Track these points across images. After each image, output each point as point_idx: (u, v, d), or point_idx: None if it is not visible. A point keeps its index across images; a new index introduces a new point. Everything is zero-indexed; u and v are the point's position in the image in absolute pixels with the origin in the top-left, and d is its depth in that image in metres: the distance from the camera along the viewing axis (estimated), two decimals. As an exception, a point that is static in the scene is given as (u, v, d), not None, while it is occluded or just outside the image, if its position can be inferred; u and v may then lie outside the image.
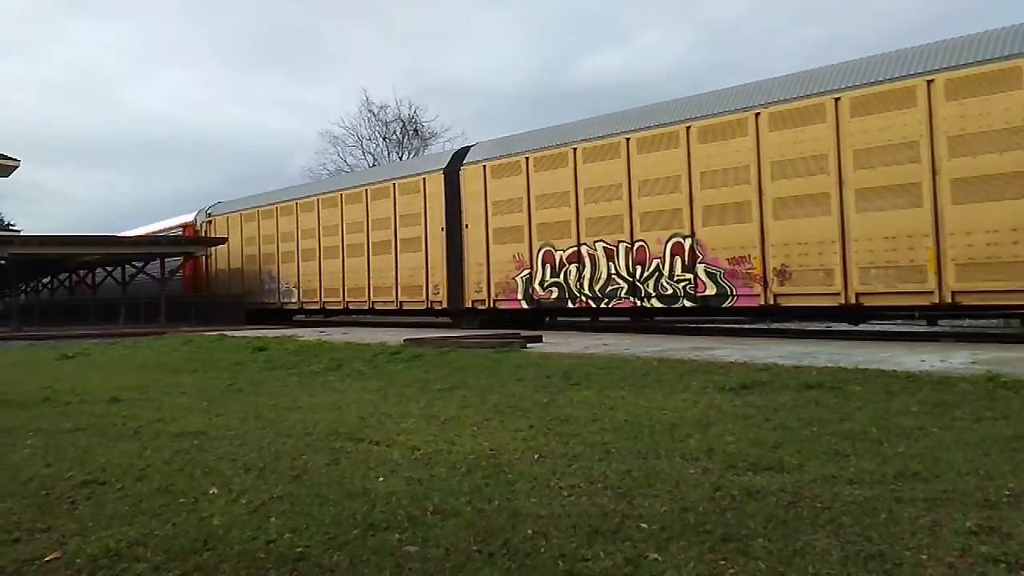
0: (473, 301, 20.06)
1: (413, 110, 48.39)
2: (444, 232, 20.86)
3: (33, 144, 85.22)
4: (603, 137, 17.25)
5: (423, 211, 21.52)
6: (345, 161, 48.89)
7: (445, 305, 20.89)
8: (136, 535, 3.79)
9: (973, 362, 8.81)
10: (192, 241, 29.33)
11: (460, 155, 21.19)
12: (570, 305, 17.86)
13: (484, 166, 19.91)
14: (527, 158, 18.80)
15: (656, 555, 3.31)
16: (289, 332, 20.02)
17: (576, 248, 17.64)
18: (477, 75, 73.52)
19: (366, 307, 23.62)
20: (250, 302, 28.46)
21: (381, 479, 4.77)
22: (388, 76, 79.44)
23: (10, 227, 43.21)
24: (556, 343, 13.47)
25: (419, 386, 9.12)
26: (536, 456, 5.24)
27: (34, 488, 4.82)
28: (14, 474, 5.22)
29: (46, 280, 43.94)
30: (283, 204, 27.45)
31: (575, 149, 17.71)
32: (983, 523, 3.54)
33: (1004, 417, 5.84)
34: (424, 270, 21.48)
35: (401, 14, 79.57)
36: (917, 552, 3.24)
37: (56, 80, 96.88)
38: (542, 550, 3.42)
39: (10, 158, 34.68)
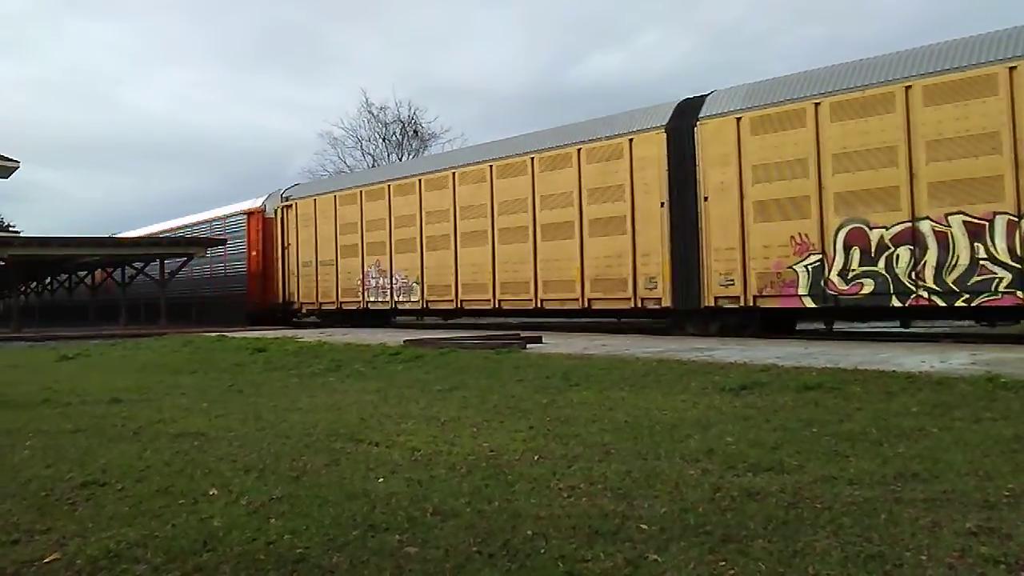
0: (716, 298, 15.23)
1: (413, 111, 48.42)
2: (666, 208, 15.93)
3: (33, 145, 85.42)
4: (960, 69, 12.53)
5: (628, 182, 16.49)
6: (344, 162, 48.92)
7: (667, 303, 16.01)
8: (136, 536, 3.79)
9: (973, 363, 8.81)
10: (193, 242, 29.22)
11: (689, 108, 16.07)
12: (895, 303, 13.06)
13: (738, 119, 14.94)
14: (816, 104, 13.96)
15: (656, 556, 3.31)
16: (290, 333, 20.02)
17: (910, 224, 12.87)
18: (477, 76, 73.59)
19: (530, 306, 18.69)
20: (344, 302, 23.94)
21: (381, 480, 4.77)
22: (388, 77, 79.85)
23: (10, 228, 43.23)
24: (556, 344, 13.48)
25: (419, 387, 9.13)
26: (536, 457, 5.24)
27: (34, 489, 4.81)
28: (14, 475, 5.22)
29: (46, 281, 43.98)
30: (399, 182, 22.33)
31: (908, 88, 12.96)
32: (983, 524, 3.54)
33: (1004, 418, 5.84)
34: (630, 258, 16.43)
35: (401, 15, 79.69)
36: (917, 553, 3.24)
37: (56, 80, 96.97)
38: (542, 551, 3.43)
39: (10, 159, 34.77)
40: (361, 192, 23.48)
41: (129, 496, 4.57)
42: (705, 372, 8.87)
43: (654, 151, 16.24)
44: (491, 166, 19.58)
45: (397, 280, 22.15)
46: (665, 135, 16.15)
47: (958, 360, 9.13)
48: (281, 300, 26.52)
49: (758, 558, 3.25)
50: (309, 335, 18.60)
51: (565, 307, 18.13)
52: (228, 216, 30.04)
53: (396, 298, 22.22)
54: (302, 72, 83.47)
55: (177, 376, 11.74)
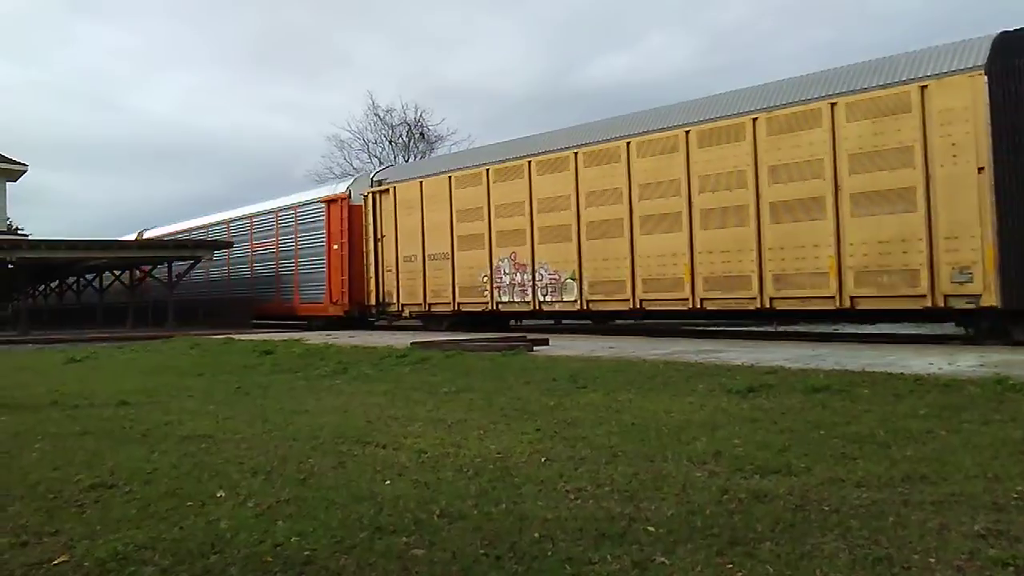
0: None
1: (419, 113, 48.38)
2: (987, 174, 12.00)
3: (41, 148, 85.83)
4: None
5: (920, 142, 12.54)
6: (351, 165, 48.95)
7: (990, 301, 12.06)
8: (144, 538, 3.80)
9: (981, 364, 8.77)
10: (199, 244, 29.25)
11: (1019, 39, 12.19)
12: None
13: None
14: None
15: (663, 558, 3.31)
16: (297, 335, 20.04)
17: None
18: (484, 79, 73.63)
19: (751, 306, 14.50)
20: (464, 303, 19.93)
21: (388, 482, 4.77)
22: (393, 80, 79.68)
23: (18, 231, 43.47)
24: (563, 346, 13.47)
25: (426, 389, 9.13)
26: (543, 459, 5.24)
27: (42, 492, 4.83)
28: (22, 477, 5.24)
29: (54, 284, 44.14)
30: (544, 157, 18.01)
31: None
32: (991, 526, 3.53)
33: (1012, 420, 5.81)
34: (923, 243, 12.46)
35: (407, 18, 79.82)
36: (925, 556, 3.23)
37: (63, 84, 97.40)
38: (549, 553, 3.42)
39: (18, 162, 35.01)
40: (488, 171, 19.25)
41: (137, 498, 4.58)
42: (712, 374, 8.85)
43: (965, 100, 12.28)
44: (687, 132, 15.41)
45: (542, 276, 18.04)
46: (985, 78, 12.09)
47: (966, 362, 9.10)
48: (375, 301, 22.48)
49: (766, 560, 3.24)
50: (315, 337, 18.61)
51: (809, 307, 14.09)
52: (301, 205, 25.78)
53: (540, 297, 18.11)
54: (308, 75, 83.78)
55: (184, 378, 11.77)
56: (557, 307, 17.90)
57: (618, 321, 19.00)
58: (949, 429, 5.63)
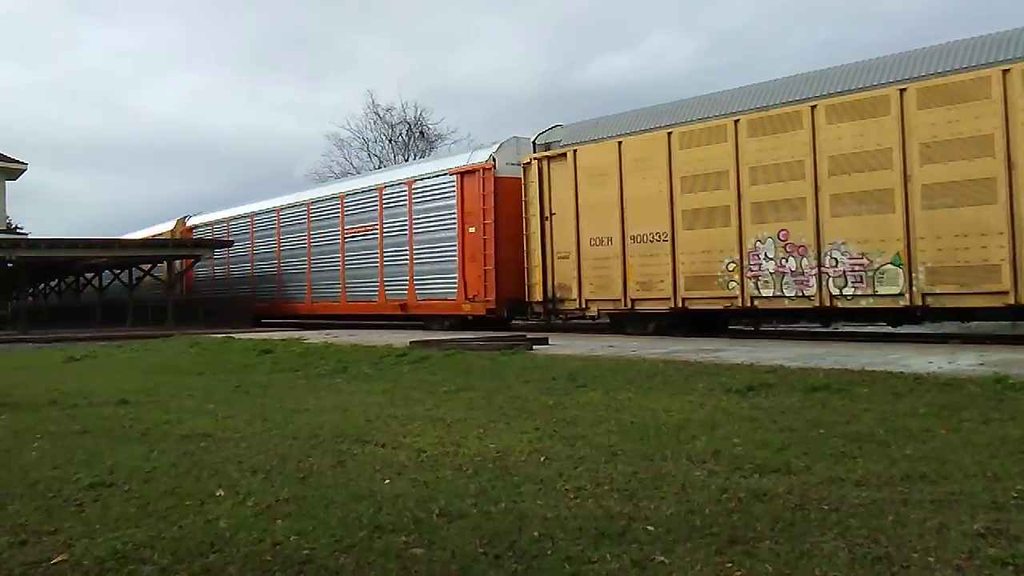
0: None
1: (419, 112, 48.27)
2: None
3: (44, 147, 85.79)
4: None
5: None
6: (351, 163, 48.86)
7: None
8: (143, 537, 3.80)
9: (981, 364, 8.78)
10: (199, 244, 29.27)
11: None
12: None
13: None
14: None
15: (662, 557, 3.31)
16: (296, 334, 20.03)
17: None
18: (483, 78, 73.59)
19: None
20: (691, 298, 15.37)
21: (387, 481, 4.77)
22: (394, 80, 79.62)
23: (17, 230, 43.45)
24: (562, 345, 13.47)
25: (425, 388, 9.13)
26: (542, 458, 5.24)
27: (41, 490, 4.83)
28: (21, 476, 5.24)
29: (54, 283, 44.12)
30: (836, 100, 13.38)
31: None
32: (991, 525, 3.52)
33: (1012, 419, 5.81)
34: None
35: (408, 19, 79.81)
36: (925, 554, 3.22)
37: (67, 84, 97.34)
38: (548, 552, 3.42)
39: (18, 161, 35.01)
40: (738, 123, 14.63)
41: (136, 497, 4.58)
42: (712, 373, 8.85)
43: None
44: None
45: (837, 260, 13.39)
46: None
47: (966, 361, 9.10)
48: (544, 296, 18.06)
49: (765, 560, 3.24)
50: (316, 336, 18.59)
51: None
52: (417, 179, 21.36)
53: (834, 289, 13.45)
54: (310, 76, 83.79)
55: (184, 377, 11.75)
56: (865, 303, 13.16)
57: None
58: (949, 428, 5.63)
